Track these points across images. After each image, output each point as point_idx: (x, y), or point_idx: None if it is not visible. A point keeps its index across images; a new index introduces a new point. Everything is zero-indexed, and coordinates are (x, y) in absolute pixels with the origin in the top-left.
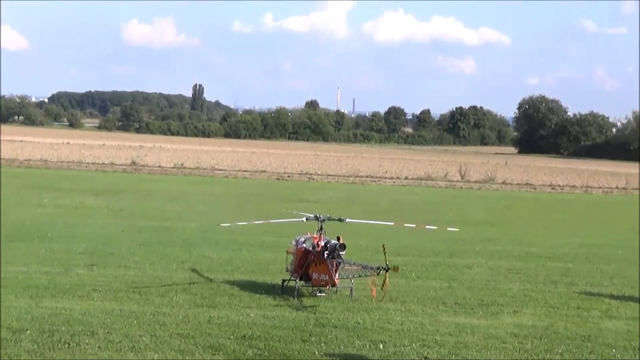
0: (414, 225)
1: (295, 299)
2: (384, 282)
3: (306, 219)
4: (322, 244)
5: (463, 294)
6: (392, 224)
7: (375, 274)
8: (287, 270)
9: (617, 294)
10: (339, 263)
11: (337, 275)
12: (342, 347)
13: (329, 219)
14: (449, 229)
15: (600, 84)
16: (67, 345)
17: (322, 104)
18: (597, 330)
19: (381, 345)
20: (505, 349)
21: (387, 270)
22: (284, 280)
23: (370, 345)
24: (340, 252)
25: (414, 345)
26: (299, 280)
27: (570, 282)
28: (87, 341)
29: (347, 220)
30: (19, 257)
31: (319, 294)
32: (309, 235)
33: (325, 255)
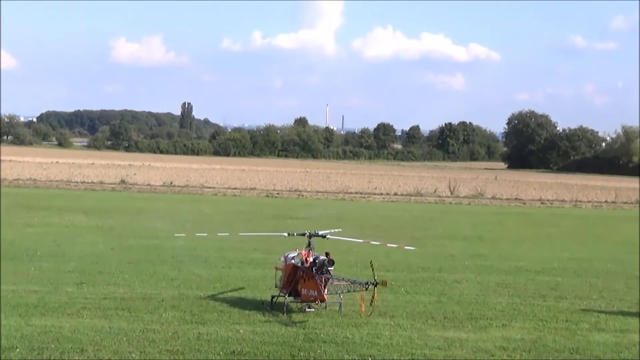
0: (377, 243)
1: (285, 314)
2: (373, 297)
3: (287, 235)
4: (311, 259)
5: (452, 309)
6: (361, 241)
7: (364, 289)
8: (276, 287)
9: (606, 307)
10: (328, 279)
11: (325, 290)
12: None
13: (316, 234)
14: (406, 247)
15: (590, 99)
16: None
17: (312, 121)
18: (585, 343)
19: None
20: None
21: (375, 285)
22: (273, 297)
23: None
24: (329, 268)
25: (403, 359)
26: (288, 296)
27: (559, 296)
28: (76, 358)
29: (329, 236)
30: (9, 276)
31: (308, 310)
32: (297, 252)
33: (314, 270)
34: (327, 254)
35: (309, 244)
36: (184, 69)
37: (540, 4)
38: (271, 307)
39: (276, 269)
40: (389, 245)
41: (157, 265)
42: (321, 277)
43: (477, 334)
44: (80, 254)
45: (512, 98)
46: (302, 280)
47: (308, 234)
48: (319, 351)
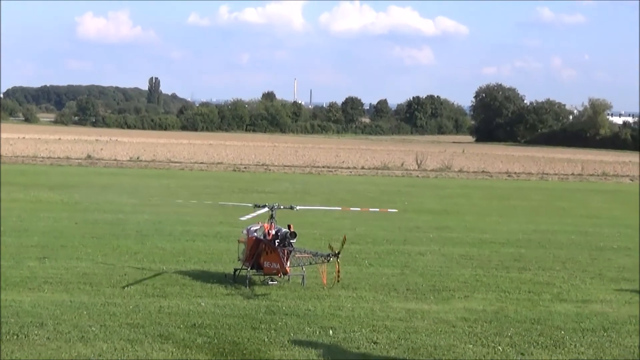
0: (359, 209)
1: (247, 287)
2: (338, 270)
3: (254, 206)
4: (273, 232)
5: (415, 280)
6: (340, 208)
7: (326, 261)
8: (239, 260)
9: (569, 278)
10: (290, 251)
11: (288, 263)
12: (291, 334)
13: (280, 207)
14: (389, 210)
15: (557, 73)
16: (15, 337)
17: (280, 96)
18: (547, 313)
19: (331, 332)
20: (455, 333)
21: (337, 257)
22: (235, 270)
23: (320, 332)
24: (291, 241)
25: (364, 330)
26: (251, 269)
27: (522, 267)
28: (36, 332)
29: (297, 207)
30: None
31: (271, 282)
32: (260, 225)
33: (276, 243)
34: (289, 227)
35: (272, 217)
36: (151, 44)
37: None
38: (234, 280)
39: (239, 242)
40: (371, 210)
41: (120, 239)
42: (283, 250)
43: (439, 305)
44: (43, 229)
45: (480, 72)
46: (265, 253)
47: (270, 206)
48: (279, 323)
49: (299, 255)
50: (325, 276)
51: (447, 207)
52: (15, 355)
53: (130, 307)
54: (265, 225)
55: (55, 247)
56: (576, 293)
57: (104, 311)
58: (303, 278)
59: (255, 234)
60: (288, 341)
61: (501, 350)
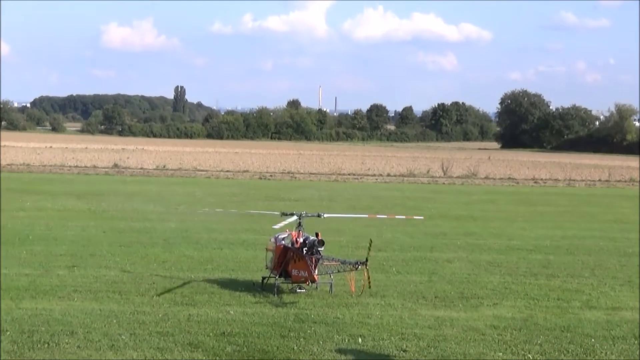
0: (385, 216)
1: (275, 295)
2: (368, 277)
3: (282, 214)
4: (301, 240)
5: (443, 288)
6: (366, 216)
7: (354, 269)
8: (266, 268)
9: (598, 284)
10: (318, 259)
11: (316, 271)
12: (320, 342)
13: (307, 215)
14: (415, 217)
15: (582, 77)
16: (46, 345)
17: (304, 103)
18: (576, 321)
19: (360, 339)
20: (485, 341)
21: (365, 264)
22: (263, 278)
23: (349, 340)
24: (319, 249)
25: (392, 338)
26: (279, 277)
27: (550, 274)
28: (66, 340)
29: (324, 215)
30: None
31: (299, 290)
32: (287, 233)
33: (304, 251)
34: (317, 235)
35: (299, 225)
36: (176, 53)
37: None
38: (262, 288)
39: (266, 250)
40: (397, 217)
41: (148, 248)
42: (311, 258)
43: (468, 312)
44: (71, 238)
45: (504, 77)
46: (293, 261)
47: (298, 214)
48: (309, 331)
49: (327, 263)
50: (353, 284)
51: (474, 213)
52: None
53: (160, 315)
54: (293, 233)
55: (84, 256)
56: (606, 300)
57: (133, 320)
58: (331, 286)
59: (283, 242)
60: (317, 349)
61: (531, 358)
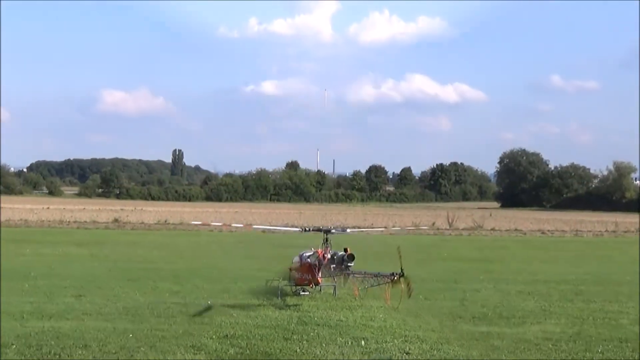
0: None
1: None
2: (408, 283)
3: (304, 230)
4: (329, 256)
5: (479, 310)
6: (383, 228)
7: (390, 280)
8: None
9: None
10: (348, 275)
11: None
12: (324, 345)
13: (328, 231)
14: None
15: (575, 136)
16: (57, 357)
17: (303, 166)
18: (632, 334)
19: (363, 342)
20: (540, 350)
21: (402, 276)
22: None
23: (352, 342)
24: (349, 264)
25: (395, 341)
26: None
27: (587, 299)
28: (79, 352)
29: (348, 230)
30: (2, 292)
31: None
32: (313, 251)
33: (333, 267)
34: (345, 250)
35: (326, 240)
36: (172, 117)
37: (514, 42)
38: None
39: (290, 270)
40: (422, 227)
41: (158, 282)
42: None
43: (513, 328)
44: (76, 275)
45: (499, 137)
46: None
47: (324, 229)
48: (312, 334)
49: (360, 276)
50: (389, 295)
51: (488, 257)
52: None
53: (180, 331)
54: (319, 250)
55: (91, 288)
56: None
57: (151, 335)
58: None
59: (309, 259)
60: (320, 352)
61: None
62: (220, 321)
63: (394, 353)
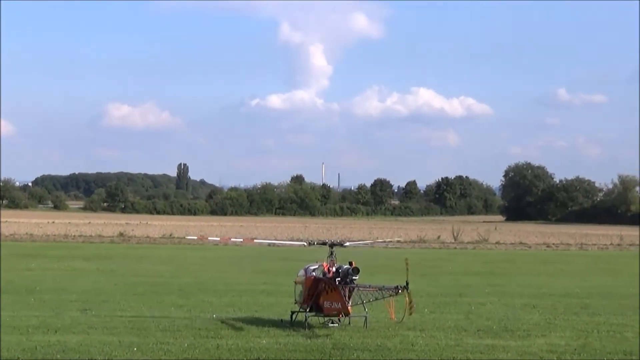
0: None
1: (306, 329)
2: (410, 301)
3: (308, 244)
4: (334, 270)
5: (484, 323)
6: (391, 240)
7: (394, 294)
8: (295, 303)
9: None
10: (352, 289)
11: (350, 302)
12: None
13: (334, 244)
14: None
15: (582, 150)
16: None
17: (308, 179)
18: (637, 347)
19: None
20: None
21: (406, 289)
22: (292, 312)
23: None
24: (354, 277)
25: None
26: (309, 310)
27: (592, 313)
28: None
29: (347, 244)
30: (7, 306)
31: (331, 325)
32: (318, 264)
33: (337, 281)
34: (350, 263)
35: (331, 254)
36: (178, 131)
37: (521, 56)
38: (291, 324)
39: (295, 283)
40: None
41: (164, 296)
42: (345, 288)
43: (518, 341)
44: (82, 289)
45: (506, 152)
46: (325, 293)
47: (330, 242)
48: (351, 357)
49: (364, 290)
50: (393, 310)
51: (494, 270)
52: None
53: (185, 345)
54: (325, 263)
55: (97, 302)
56: None
57: (157, 348)
58: (365, 319)
59: (314, 273)
60: None
61: None
62: (249, 347)
63: None
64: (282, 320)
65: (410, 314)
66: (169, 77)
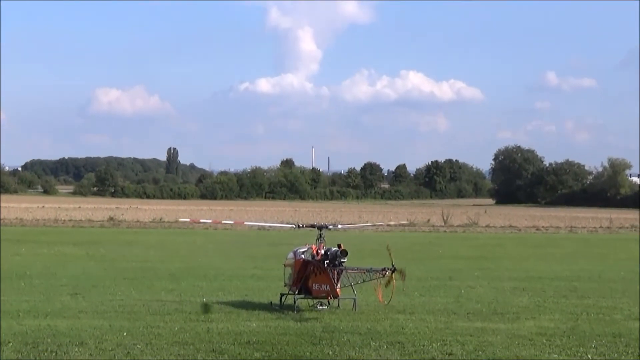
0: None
1: (295, 312)
2: (389, 282)
3: (298, 227)
4: (322, 252)
5: (473, 306)
6: (382, 223)
7: (381, 275)
8: (285, 285)
9: (634, 303)
10: (341, 271)
11: (339, 284)
12: (357, 349)
13: (325, 226)
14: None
15: (571, 135)
16: (54, 354)
17: (298, 163)
18: (626, 330)
19: (398, 346)
20: (534, 345)
21: (393, 272)
22: (282, 295)
23: (387, 347)
24: (342, 260)
25: (434, 345)
26: (298, 293)
27: (581, 296)
28: (76, 350)
29: (340, 226)
30: None
31: (320, 307)
32: (307, 247)
33: (326, 263)
34: (339, 246)
35: (320, 237)
36: (168, 116)
37: (511, 41)
38: (280, 306)
39: (284, 266)
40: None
41: (154, 280)
42: (333, 270)
43: (508, 324)
44: (72, 274)
45: (496, 136)
46: (313, 275)
47: (318, 225)
48: (341, 340)
49: (351, 271)
50: (380, 292)
51: (483, 254)
52: None
53: (176, 328)
54: (313, 246)
55: (87, 287)
56: None
57: (147, 332)
58: (354, 302)
59: (303, 255)
60: (355, 354)
61: (590, 359)
62: (239, 330)
63: (435, 354)
64: (271, 302)
65: (403, 280)
66: (158, 61)
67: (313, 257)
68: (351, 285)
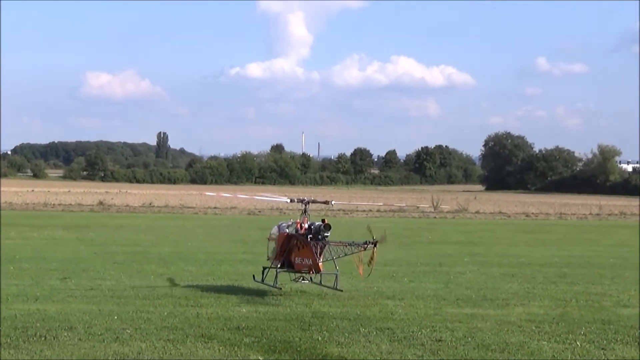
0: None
1: (275, 285)
2: (372, 257)
3: (290, 200)
4: (306, 226)
5: (463, 292)
6: (381, 203)
7: (362, 249)
8: (268, 259)
9: (623, 289)
10: (324, 245)
11: (321, 259)
12: (346, 334)
13: (314, 201)
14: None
15: (562, 120)
16: (43, 338)
17: (288, 148)
18: (615, 316)
19: (387, 332)
20: (524, 332)
21: (374, 245)
22: (264, 268)
23: (377, 332)
24: (325, 234)
25: (423, 331)
26: (281, 267)
27: (571, 282)
28: (65, 334)
29: (333, 202)
30: None
31: (302, 281)
32: (292, 222)
33: (309, 238)
34: (323, 221)
35: (305, 211)
36: (158, 100)
37: (501, 26)
38: (262, 279)
39: (268, 240)
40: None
41: (144, 265)
42: (316, 245)
43: (497, 310)
44: (61, 258)
45: (486, 121)
46: (296, 249)
47: (305, 200)
48: (331, 325)
49: (334, 246)
50: (361, 267)
51: (473, 239)
52: (44, 354)
53: (165, 313)
54: (297, 220)
55: (77, 271)
56: (636, 301)
57: (136, 317)
58: (336, 277)
59: (287, 230)
60: (344, 340)
61: (579, 345)
62: (228, 315)
63: (425, 340)
64: (254, 276)
65: (371, 271)
66: (149, 45)
67: (297, 231)
68: (333, 259)
